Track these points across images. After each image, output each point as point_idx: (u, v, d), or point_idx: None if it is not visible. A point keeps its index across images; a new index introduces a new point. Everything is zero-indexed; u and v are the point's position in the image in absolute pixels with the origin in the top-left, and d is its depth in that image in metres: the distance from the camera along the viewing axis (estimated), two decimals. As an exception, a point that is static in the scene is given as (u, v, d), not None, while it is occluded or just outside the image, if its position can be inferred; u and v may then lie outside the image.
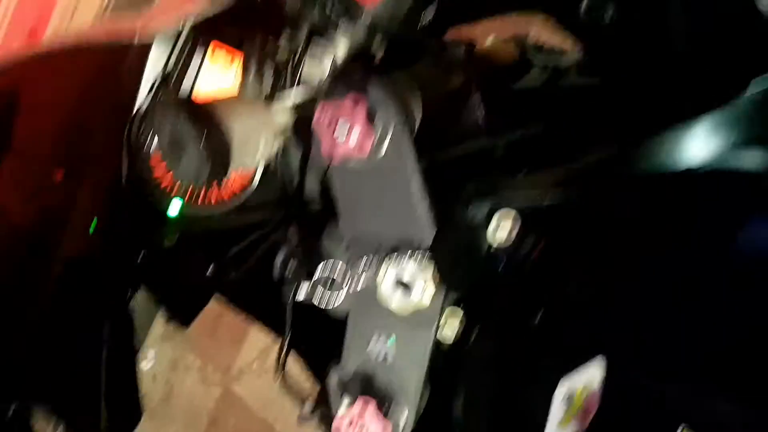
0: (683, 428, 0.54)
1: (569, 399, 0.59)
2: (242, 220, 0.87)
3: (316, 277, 0.66)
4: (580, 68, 1.07)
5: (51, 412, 0.74)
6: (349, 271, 0.66)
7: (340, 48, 0.65)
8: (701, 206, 0.60)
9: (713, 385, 0.57)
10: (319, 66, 0.66)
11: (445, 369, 0.74)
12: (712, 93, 0.63)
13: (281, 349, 0.78)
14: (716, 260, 0.62)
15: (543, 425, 0.61)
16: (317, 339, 0.80)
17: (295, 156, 0.79)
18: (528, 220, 0.68)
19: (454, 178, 0.73)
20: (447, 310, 0.72)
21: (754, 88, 0.60)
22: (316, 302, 0.66)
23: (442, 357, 0.75)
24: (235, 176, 0.80)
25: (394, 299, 0.66)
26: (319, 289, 0.67)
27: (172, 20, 0.59)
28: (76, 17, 1.66)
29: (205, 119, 0.58)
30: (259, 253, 1.05)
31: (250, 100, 0.63)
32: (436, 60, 0.81)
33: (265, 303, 1.07)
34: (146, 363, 2.13)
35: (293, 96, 0.66)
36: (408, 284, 0.65)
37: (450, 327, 0.72)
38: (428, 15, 0.67)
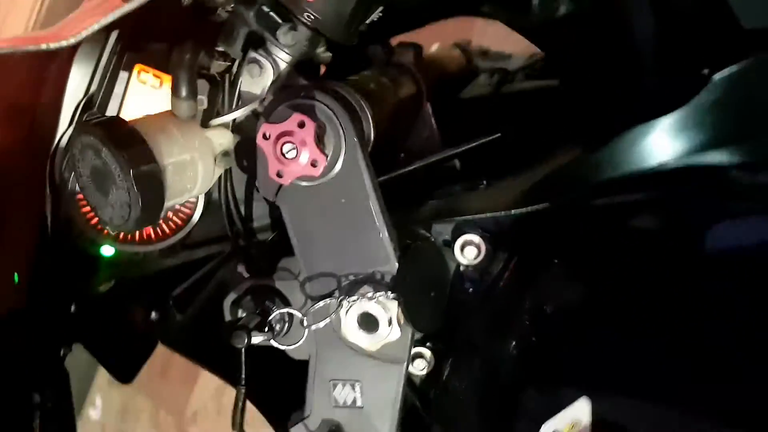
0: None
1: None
2: (185, 258, 0.79)
3: (271, 317, 0.58)
4: (533, 70, 1.02)
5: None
6: (308, 313, 0.59)
7: (280, 59, 0.58)
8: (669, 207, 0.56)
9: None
10: (259, 81, 0.58)
11: (419, 413, 0.68)
12: (673, 90, 0.59)
13: (237, 403, 0.70)
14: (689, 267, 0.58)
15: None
16: (276, 385, 0.72)
17: (240, 182, 0.72)
18: (496, 237, 0.62)
19: (413, 196, 0.68)
20: (415, 351, 0.66)
21: (714, 85, 0.56)
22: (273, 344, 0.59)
23: (414, 399, 0.69)
24: (174, 210, 0.72)
25: (358, 339, 0.59)
26: (276, 330, 0.60)
27: (81, 31, 0.51)
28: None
29: (132, 145, 0.50)
30: (205, 294, 0.96)
31: (182, 121, 0.55)
32: (383, 67, 0.75)
33: (215, 348, 0.99)
34: (94, 412, 1.99)
35: (232, 115, 0.59)
36: (372, 323, 0.58)
37: (419, 366, 0.66)
38: (373, 15, 0.61)
